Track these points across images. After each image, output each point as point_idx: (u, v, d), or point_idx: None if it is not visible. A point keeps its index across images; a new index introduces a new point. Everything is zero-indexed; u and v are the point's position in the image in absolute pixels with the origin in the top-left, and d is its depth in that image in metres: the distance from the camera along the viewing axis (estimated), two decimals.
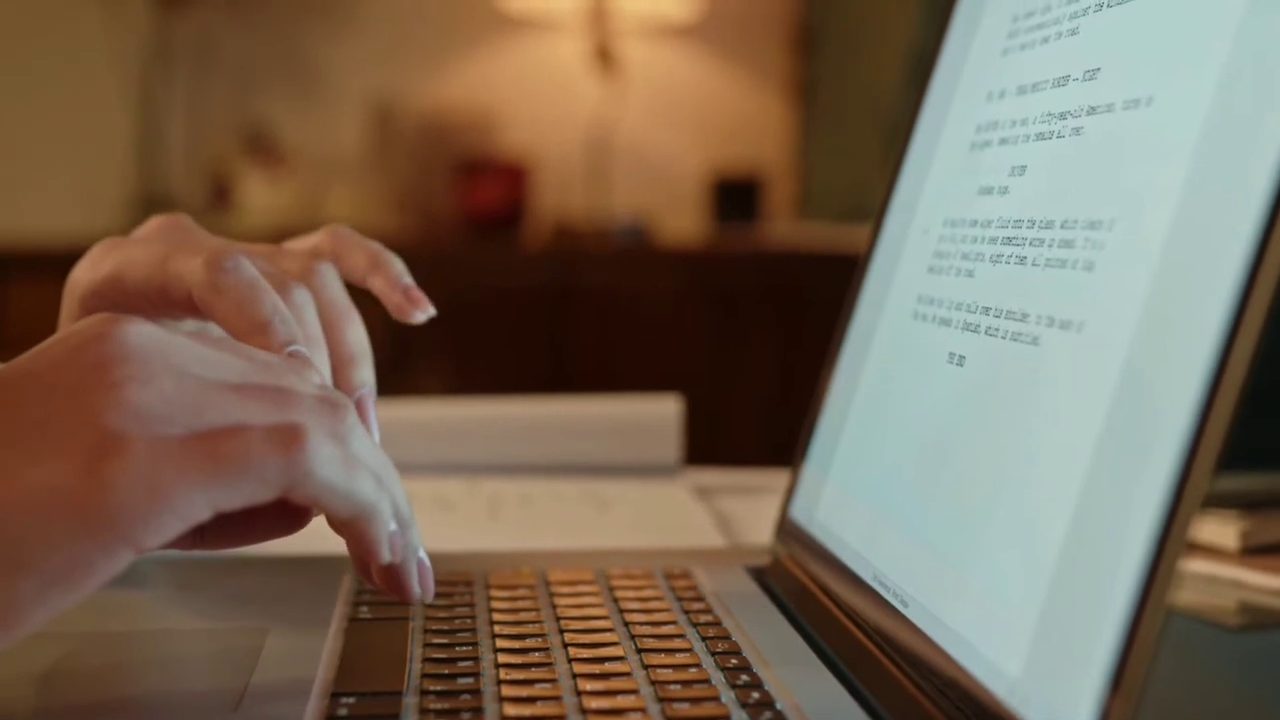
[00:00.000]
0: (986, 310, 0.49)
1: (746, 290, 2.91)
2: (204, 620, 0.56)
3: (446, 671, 0.48)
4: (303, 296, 0.55)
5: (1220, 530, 0.71)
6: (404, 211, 3.21)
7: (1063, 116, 0.48)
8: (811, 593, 0.57)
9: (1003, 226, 0.50)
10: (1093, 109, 0.46)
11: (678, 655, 0.50)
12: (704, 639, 0.52)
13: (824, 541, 0.58)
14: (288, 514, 0.45)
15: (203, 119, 3.26)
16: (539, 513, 0.82)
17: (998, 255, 0.49)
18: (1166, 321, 0.37)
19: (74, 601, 0.38)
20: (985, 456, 0.45)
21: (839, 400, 0.62)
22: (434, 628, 0.53)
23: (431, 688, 0.46)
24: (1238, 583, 0.68)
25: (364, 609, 0.55)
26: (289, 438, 0.40)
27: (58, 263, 2.86)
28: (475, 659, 0.49)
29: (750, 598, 0.59)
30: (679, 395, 0.95)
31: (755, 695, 0.46)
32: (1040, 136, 0.49)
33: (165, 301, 0.52)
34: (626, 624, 0.53)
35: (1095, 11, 0.48)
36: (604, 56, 3.19)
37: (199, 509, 0.38)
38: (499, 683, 0.47)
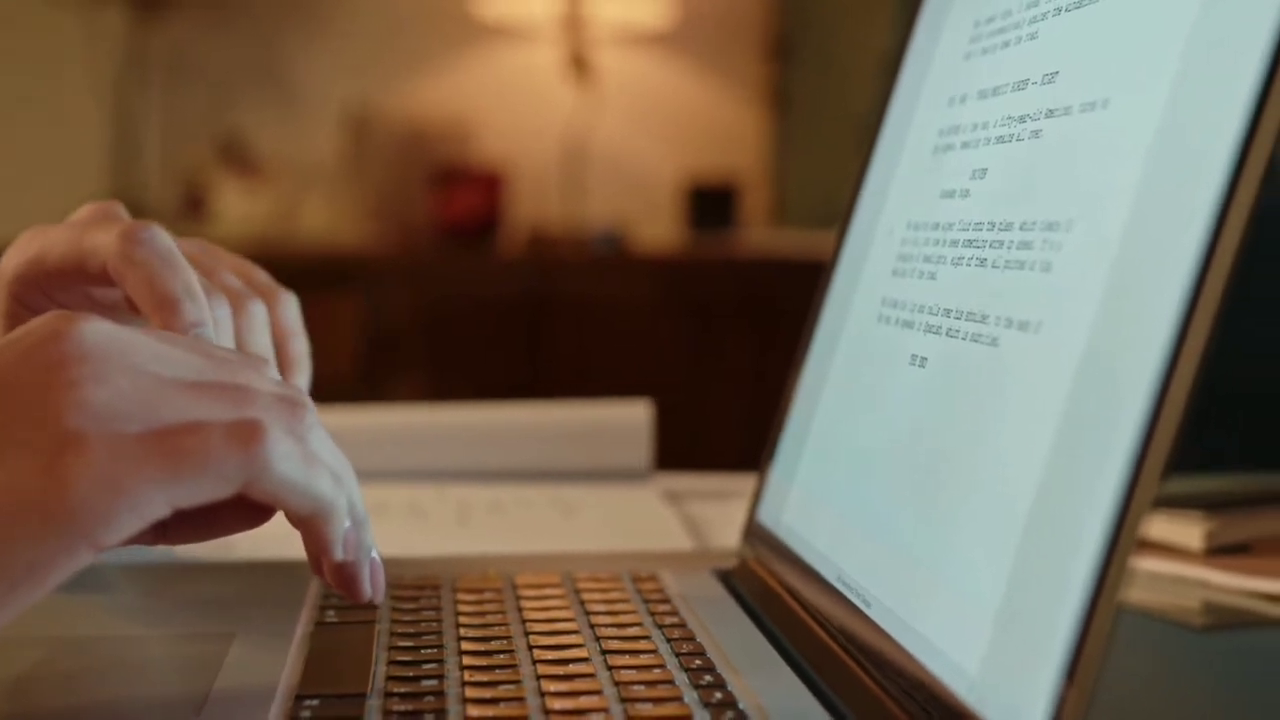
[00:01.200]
0: (948, 312, 0.49)
1: (722, 297, 2.92)
2: (170, 626, 0.56)
3: (411, 674, 0.48)
4: (257, 309, 0.54)
5: (1185, 531, 0.71)
6: (380, 220, 3.21)
7: (1022, 119, 0.48)
8: (777, 594, 0.57)
9: (964, 229, 0.50)
10: (1051, 112, 0.46)
11: (642, 657, 0.50)
12: (669, 641, 0.52)
13: (790, 544, 0.58)
14: (249, 509, 0.45)
15: (178, 128, 3.25)
16: (508, 518, 0.82)
17: (959, 258, 0.50)
18: (1121, 321, 0.38)
19: (35, 599, 0.39)
20: (945, 457, 0.46)
21: (805, 403, 0.62)
22: (400, 631, 0.53)
23: (396, 689, 0.46)
24: (1203, 583, 0.68)
25: (330, 613, 0.55)
26: (248, 434, 0.40)
27: None
28: (440, 661, 0.49)
29: (716, 600, 0.59)
30: (654, 402, 0.95)
31: (718, 695, 0.46)
32: (1000, 140, 0.50)
33: (83, 277, 0.52)
34: (592, 626, 0.54)
35: (1054, 16, 0.48)
36: (579, 65, 3.19)
37: (158, 506, 0.39)
38: (463, 684, 0.47)
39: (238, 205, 3.06)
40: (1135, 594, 0.67)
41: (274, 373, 0.46)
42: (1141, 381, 0.36)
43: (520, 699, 0.45)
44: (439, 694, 0.46)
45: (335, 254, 2.96)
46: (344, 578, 0.46)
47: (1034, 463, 0.40)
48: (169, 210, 3.10)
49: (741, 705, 0.45)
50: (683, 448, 1.17)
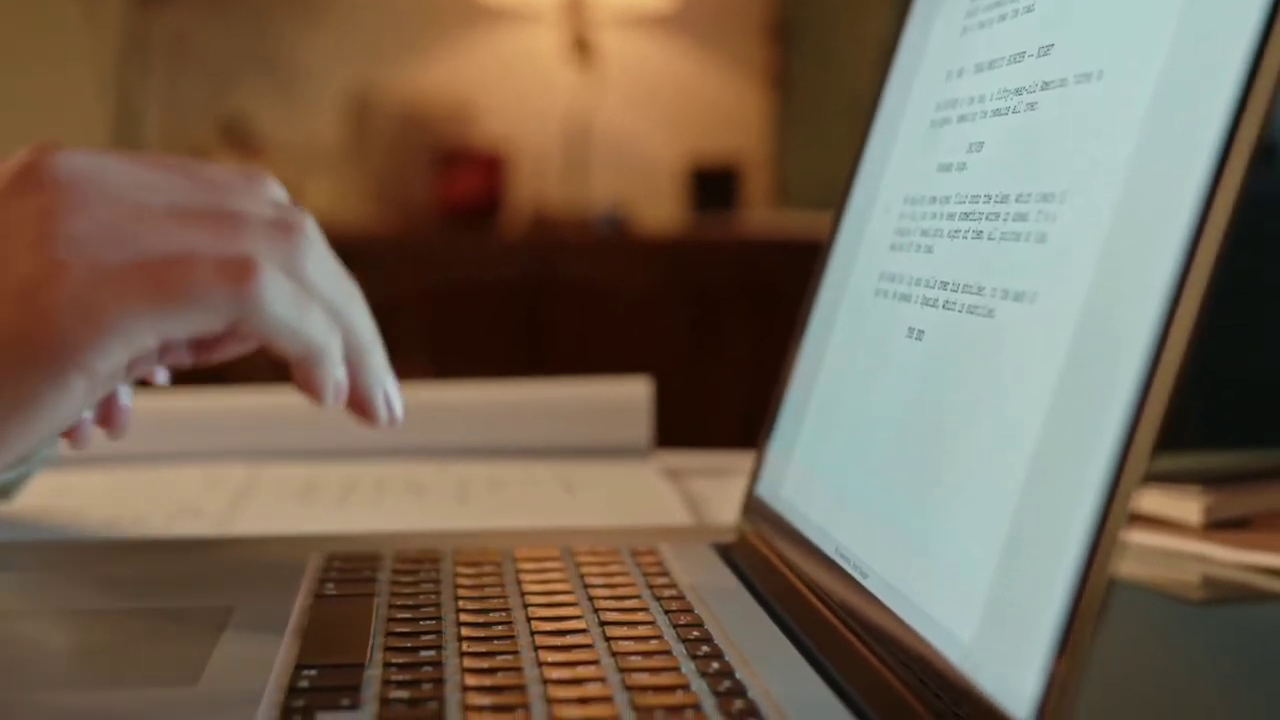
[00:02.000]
0: (944, 284, 0.49)
1: (724, 279, 2.92)
2: (168, 599, 0.56)
3: (409, 645, 0.48)
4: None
5: (1184, 505, 0.71)
6: (381, 202, 3.21)
7: (1018, 92, 0.48)
8: (775, 567, 0.57)
9: (960, 202, 0.50)
10: (1046, 84, 0.46)
11: (640, 628, 0.50)
12: (667, 613, 0.52)
13: (788, 517, 0.58)
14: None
15: (180, 112, 3.25)
16: (508, 495, 0.82)
17: (956, 230, 0.50)
18: (1114, 292, 0.38)
19: (33, 438, 0.38)
20: (942, 429, 0.46)
21: (804, 378, 0.62)
22: (399, 603, 0.53)
23: (394, 660, 0.46)
24: (1201, 557, 0.68)
25: (330, 585, 0.56)
26: (239, 271, 0.39)
27: None
28: (438, 633, 0.49)
29: (715, 573, 0.59)
30: (655, 383, 0.95)
31: (715, 666, 0.46)
32: (997, 113, 0.50)
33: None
34: (590, 598, 0.54)
35: None
36: (581, 47, 3.19)
37: (146, 336, 0.38)
38: (461, 655, 0.47)
39: None
40: (1134, 568, 0.67)
41: (273, 190, 0.44)
42: (1134, 352, 0.36)
43: (518, 669, 0.45)
44: (437, 664, 0.46)
45: (337, 236, 2.93)
46: (354, 407, 0.45)
47: (1028, 433, 0.40)
48: None
49: (738, 676, 0.45)
50: (683, 429, 1.17)
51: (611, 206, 3.14)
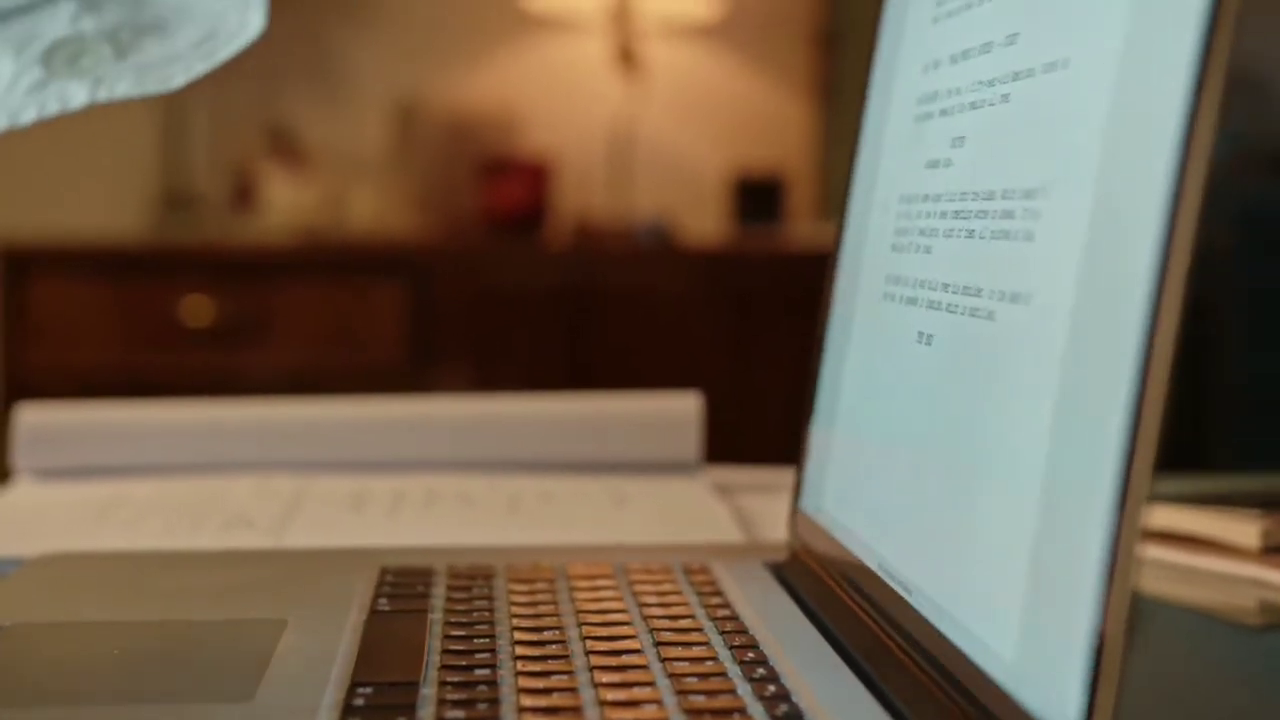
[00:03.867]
0: (946, 286, 0.48)
1: (768, 291, 2.91)
2: (221, 611, 0.57)
3: (464, 663, 0.48)
4: None
5: (1241, 529, 0.70)
6: (426, 211, 3.21)
7: (991, 84, 0.47)
8: (826, 585, 0.57)
9: (950, 200, 0.49)
10: (1016, 75, 0.45)
11: (695, 649, 0.50)
12: (721, 633, 0.52)
13: (832, 532, 0.58)
14: None
15: (226, 118, 3.26)
16: (559, 509, 0.82)
17: (950, 230, 0.48)
18: (1098, 288, 0.37)
19: None
20: (959, 437, 0.45)
21: (829, 386, 0.61)
22: (453, 620, 0.53)
23: (449, 678, 0.46)
24: (1258, 582, 0.67)
25: (383, 601, 0.56)
26: None
27: (83, 260, 2.83)
28: (493, 651, 0.49)
29: (768, 592, 0.59)
30: (700, 394, 0.94)
31: (771, 689, 0.46)
32: (974, 105, 0.48)
33: None
34: (644, 618, 0.54)
35: None
36: (626, 56, 3.19)
37: None
38: (516, 674, 0.47)
39: (286, 195, 3.07)
40: (1191, 592, 0.67)
41: None
42: (1127, 349, 0.34)
43: (573, 689, 0.45)
44: (492, 683, 0.46)
45: (383, 244, 2.97)
46: None
47: (1039, 437, 0.39)
48: (219, 201, 3.12)
49: (794, 698, 0.45)
50: (728, 441, 1.17)
51: (656, 217, 3.13)
